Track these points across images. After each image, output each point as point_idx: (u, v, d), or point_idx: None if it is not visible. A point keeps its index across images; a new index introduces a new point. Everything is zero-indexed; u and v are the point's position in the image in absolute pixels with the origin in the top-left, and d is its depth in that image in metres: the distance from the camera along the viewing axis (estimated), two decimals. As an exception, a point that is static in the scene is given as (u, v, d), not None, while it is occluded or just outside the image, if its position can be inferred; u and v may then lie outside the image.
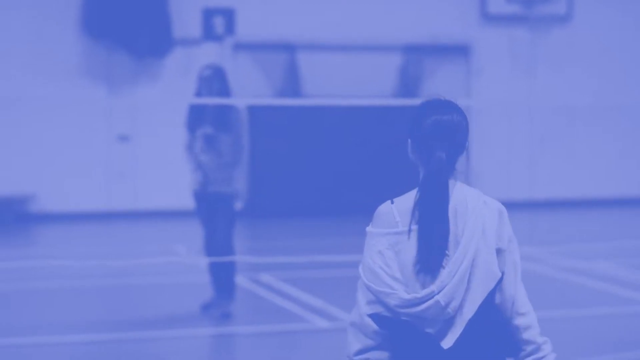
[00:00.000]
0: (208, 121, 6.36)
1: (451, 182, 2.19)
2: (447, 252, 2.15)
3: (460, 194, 2.20)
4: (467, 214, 2.18)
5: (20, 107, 11.08)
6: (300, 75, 11.96)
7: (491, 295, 2.19)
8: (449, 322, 2.18)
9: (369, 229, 2.21)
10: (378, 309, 2.21)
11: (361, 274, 2.20)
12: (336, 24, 11.93)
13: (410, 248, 2.14)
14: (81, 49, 11.45)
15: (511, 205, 11.26)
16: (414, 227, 2.15)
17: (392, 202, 2.22)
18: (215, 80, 6.41)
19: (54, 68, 11.38)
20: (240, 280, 7.30)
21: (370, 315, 2.21)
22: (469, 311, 2.18)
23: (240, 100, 10.92)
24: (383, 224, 2.19)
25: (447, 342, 2.17)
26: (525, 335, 2.19)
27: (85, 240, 10.30)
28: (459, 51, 12.10)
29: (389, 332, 2.22)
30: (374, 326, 2.22)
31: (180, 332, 6.30)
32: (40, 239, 11.34)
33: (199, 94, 6.55)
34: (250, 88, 11.69)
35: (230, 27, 11.34)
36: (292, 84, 11.90)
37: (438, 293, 2.13)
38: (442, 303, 2.13)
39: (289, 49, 11.97)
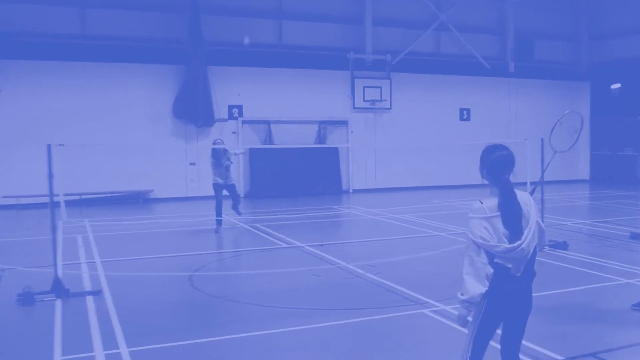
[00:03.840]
0: (224, 160, 14.71)
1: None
2: (522, 223, 3.80)
3: (520, 194, 3.93)
4: (528, 204, 3.96)
5: (139, 147, 20.87)
6: (272, 135, 22.29)
7: (538, 243, 3.96)
8: (521, 261, 3.86)
9: (471, 215, 3.91)
10: (485, 260, 3.85)
11: (474, 239, 3.85)
12: (291, 109, 22.39)
13: (498, 224, 3.80)
14: (172, 122, 21.52)
15: None
16: (498, 213, 3.82)
17: (482, 202, 3.87)
18: (222, 143, 14.88)
19: (160, 129, 21.12)
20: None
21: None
22: (531, 252, 3.88)
23: (245, 146, 21.50)
24: (480, 213, 3.84)
25: (518, 272, 3.90)
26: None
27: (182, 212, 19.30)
28: None
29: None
30: (491, 270, 3.85)
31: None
32: (159, 210, 19.35)
33: (216, 152, 14.63)
34: (249, 141, 22.02)
35: (240, 113, 22.03)
36: (268, 139, 22.14)
37: (523, 244, 3.80)
38: (525, 249, 3.81)
39: (266, 122, 22.36)
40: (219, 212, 14.71)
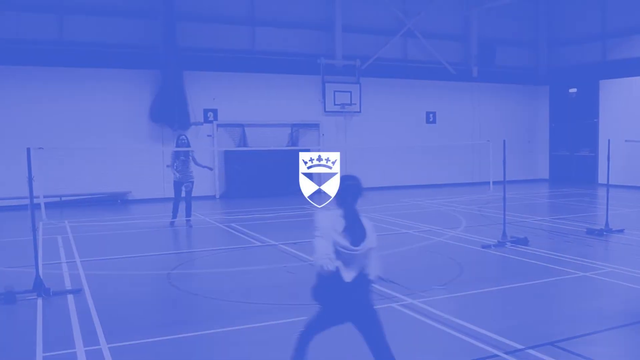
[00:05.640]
0: (183, 155, 14.73)
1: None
2: (362, 234, 4.58)
3: (362, 218, 4.73)
4: (369, 225, 4.74)
5: (117, 150, 20.61)
6: (247, 137, 22.41)
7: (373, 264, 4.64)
8: (352, 263, 4.57)
9: (319, 217, 4.63)
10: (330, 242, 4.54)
11: (321, 235, 4.59)
12: (264, 113, 22.46)
13: (339, 224, 4.59)
14: (149, 126, 21.35)
15: None
16: (342, 219, 4.61)
17: (329, 210, 4.57)
18: (187, 140, 15.17)
19: (137, 132, 21.02)
20: None
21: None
22: (361, 260, 4.59)
23: (218, 148, 21.62)
24: (328, 218, 4.63)
25: (349, 278, 4.61)
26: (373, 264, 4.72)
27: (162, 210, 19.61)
28: None
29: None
30: (332, 254, 4.58)
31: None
32: (137, 210, 19.24)
33: (178, 145, 14.64)
34: (224, 144, 22.05)
35: (216, 117, 22.04)
36: (242, 141, 22.33)
37: (365, 246, 4.58)
38: (361, 253, 4.60)
39: (241, 125, 22.46)
40: (174, 212, 14.66)
